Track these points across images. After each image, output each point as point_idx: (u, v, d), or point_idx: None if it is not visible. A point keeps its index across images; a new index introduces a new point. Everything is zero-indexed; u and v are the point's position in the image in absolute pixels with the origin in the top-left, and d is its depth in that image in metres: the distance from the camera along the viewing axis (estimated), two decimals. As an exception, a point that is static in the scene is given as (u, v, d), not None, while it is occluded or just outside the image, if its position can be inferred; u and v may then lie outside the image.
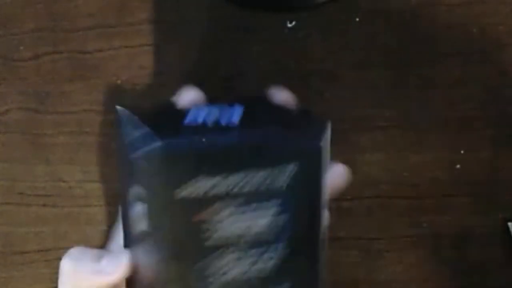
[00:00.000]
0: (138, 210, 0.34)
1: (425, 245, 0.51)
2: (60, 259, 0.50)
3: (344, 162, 0.39)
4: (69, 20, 0.49)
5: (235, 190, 0.33)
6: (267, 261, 0.35)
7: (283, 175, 0.34)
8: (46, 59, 0.49)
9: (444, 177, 0.50)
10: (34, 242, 0.51)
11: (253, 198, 0.34)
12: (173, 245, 0.34)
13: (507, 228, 0.50)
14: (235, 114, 0.35)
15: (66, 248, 0.51)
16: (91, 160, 0.50)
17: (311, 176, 0.34)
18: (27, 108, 0.50)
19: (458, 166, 0.50)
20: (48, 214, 0.51)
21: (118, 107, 0.35)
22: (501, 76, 0.49)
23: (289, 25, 0.49)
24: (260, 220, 0.34)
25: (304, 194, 0.35)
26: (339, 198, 0.43)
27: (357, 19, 0.49)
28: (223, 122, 0.35)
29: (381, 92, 0.49)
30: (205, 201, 0.33)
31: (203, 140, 0.33)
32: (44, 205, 0.51)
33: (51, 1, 0.49)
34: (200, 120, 0.35)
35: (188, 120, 0.35)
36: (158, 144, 0.33)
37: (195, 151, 0.33)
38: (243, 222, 0.34)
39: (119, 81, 0.49)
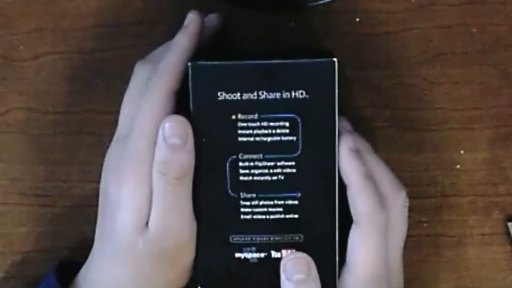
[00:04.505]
0: None
1: (425, 245, 0.51)
2: (60, 259, 0.50)
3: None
4: (69, 20, 0.49)
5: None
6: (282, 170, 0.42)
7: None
8: (46, 59, 0.49)
9: (444, 177, 0.50)
10: (34, 242, 0.51)
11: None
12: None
13: (507, 228, 0.50)
14: None
15: (66, 248, 0.51)
16: (91, 160, 0.50)
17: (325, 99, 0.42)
18: (27, 108, 0.50)
19: (458, 166, 0.50)
20: (48, 214, 0.51)
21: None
22: (501, 76, 0.49)
23: (289, 25, 0.49)
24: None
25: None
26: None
27: (357, 19, 0.49)
28: None
29: (381, 92, 0.49)
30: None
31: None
32: (44, 205, 0.51)
33: (51, 1, 0.49)
34: None
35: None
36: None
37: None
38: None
39: (119, 81, 0.49)
